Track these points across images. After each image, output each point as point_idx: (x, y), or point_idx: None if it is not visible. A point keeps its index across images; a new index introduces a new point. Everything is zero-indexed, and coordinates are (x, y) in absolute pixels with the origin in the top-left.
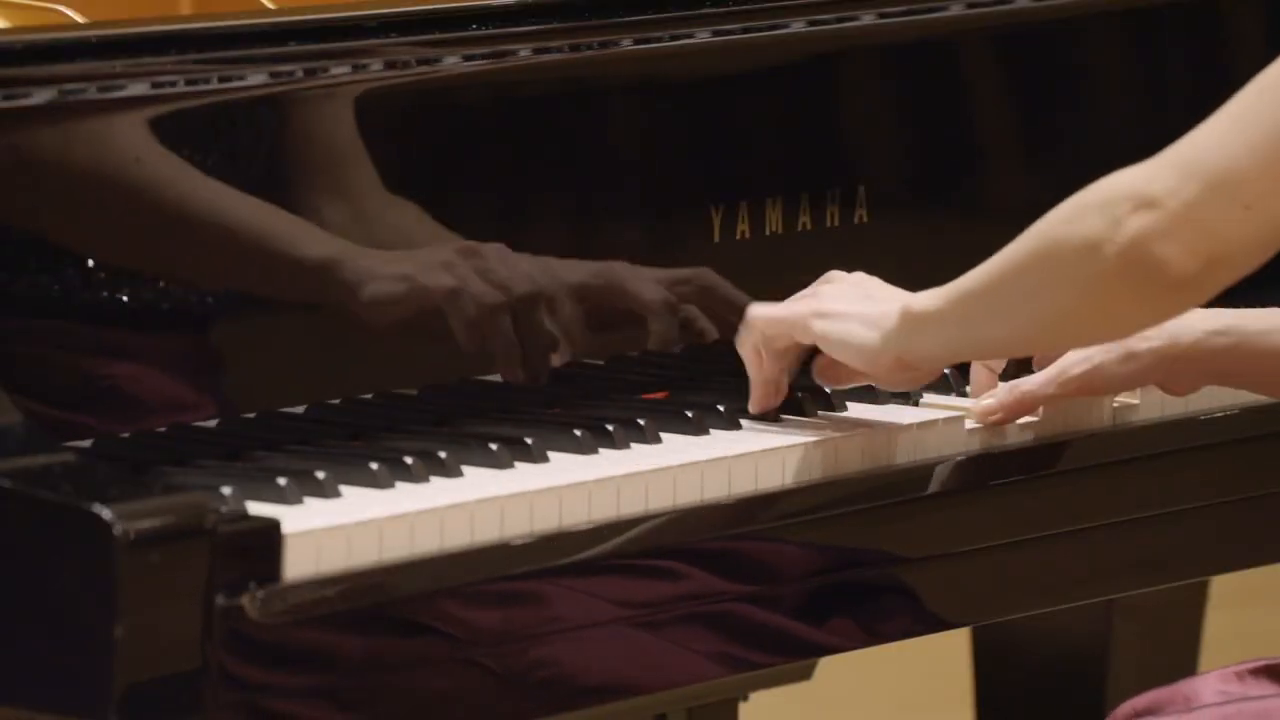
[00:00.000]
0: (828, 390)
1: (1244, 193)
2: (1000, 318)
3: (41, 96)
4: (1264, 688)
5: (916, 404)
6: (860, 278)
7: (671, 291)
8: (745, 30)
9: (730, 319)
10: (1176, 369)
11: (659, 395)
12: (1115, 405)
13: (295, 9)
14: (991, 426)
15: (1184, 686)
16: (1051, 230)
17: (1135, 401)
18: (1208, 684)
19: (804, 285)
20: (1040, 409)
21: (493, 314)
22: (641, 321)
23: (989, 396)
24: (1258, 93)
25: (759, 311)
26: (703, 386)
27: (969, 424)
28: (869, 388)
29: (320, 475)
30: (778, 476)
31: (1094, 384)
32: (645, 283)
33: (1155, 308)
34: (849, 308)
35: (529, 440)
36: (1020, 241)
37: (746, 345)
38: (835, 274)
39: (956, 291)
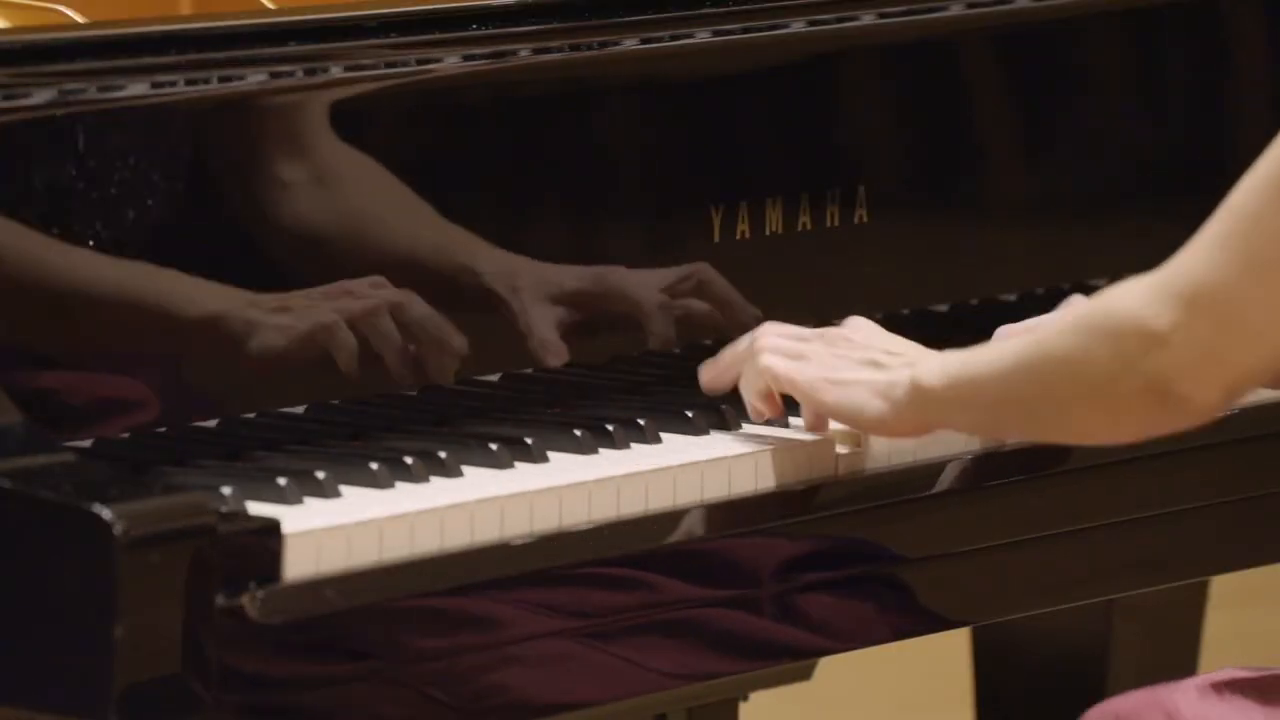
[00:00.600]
0: None
1: (1254, 320)
2: (1014, 416)
3: (41, 96)
4: (1244, 706)
5: None
6: (871, 333)
7: (671, 289)
8: (745, 30)
9: (729, 313)
10: None
11: None
12: None
13: (295, 9)
14: None
15: (1162, 694)
16: (1059, 351)
17: None
18: (1186, 695)
19: (804, 285)
20: None
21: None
22: (640, 323)
23: None
24: (1243, 212)
25: (770, 365)
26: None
27: None
28: None
29: (320, 475)
30: (778, 476)
31: None
32: (642, 286)
33: (1180, 427)
34: (858, 375)
35: (529, 440)
36: (1032, 349)
37: (751, 390)
38: (853, 322)
39: (966, 376)
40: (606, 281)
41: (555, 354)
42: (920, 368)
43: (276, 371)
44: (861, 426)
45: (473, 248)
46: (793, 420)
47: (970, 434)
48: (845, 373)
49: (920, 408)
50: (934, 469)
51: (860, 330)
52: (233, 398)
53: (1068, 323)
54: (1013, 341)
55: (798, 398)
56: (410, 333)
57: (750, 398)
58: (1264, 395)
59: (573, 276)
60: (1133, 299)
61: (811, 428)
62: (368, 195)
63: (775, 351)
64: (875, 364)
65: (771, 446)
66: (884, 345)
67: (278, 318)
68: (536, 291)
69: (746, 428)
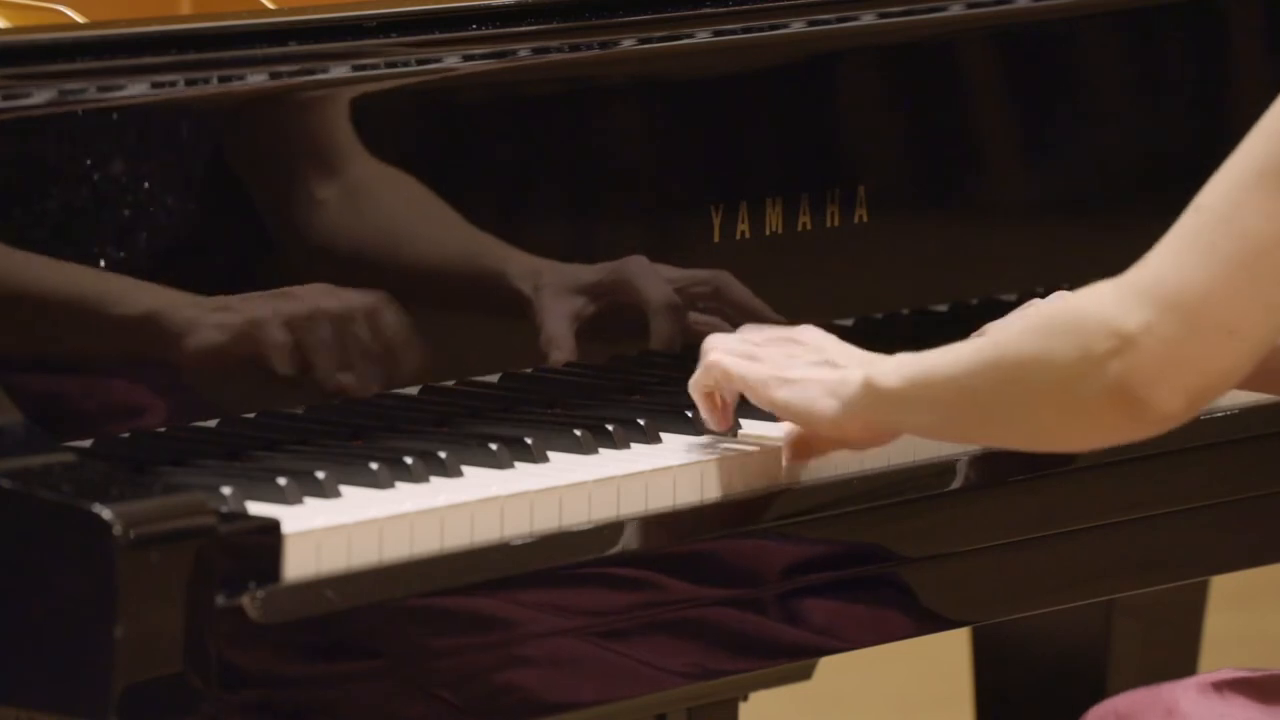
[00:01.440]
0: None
1: (1223, 322)
2: (971, 417)
3: (41, 96)
4: (1245, 705)
5: None
6: (823, 338)
7: (684, 292)
8: (745, 30)
9: (742, 323)
10: None
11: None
12: None
13: (295, 9)
14: None
15: (1163, 692)
16: (1023, 351)
17: None
18: (1187, 693)
19: (804, 285)
20: None
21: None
22: (645, 321)
23: None
24: (1212, 212)
25: (719, 361)
26: None
27: None
28: None
29: (320, 475)
30: (778, 476)
31: None
32: (655, 281)
33: (1142, 434)
34: (809, 374)
35: (529, 440)
36: (993, 348)
37: (697, 387)
38: (804, 329)
39: (922, 375)
40: (617, 278)
41: (563, 350)
42: (875, 367)
43: (275, 372)
44: (811, 425)
45: (472, 247)
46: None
47: (925, 436)
48: (796, 371)
49: (872, 407)
50: (936, 469)
51: (811, 335)
52: (233, 398)
53: (1031, 323)
54: (972, 343)
55: (748, 395)
56: (383, 337)
57: (697, 398)
58: (1264, 395)
59: (574, 275)
60: (1101, 299)
61: (791, 447)
62: (368, 195)
63: (726, 351)
64: (828, 363)
65: (772, 447)
66: (836, 349)
67: (281, 318)
68: (536, 290)
69: (747, 428)
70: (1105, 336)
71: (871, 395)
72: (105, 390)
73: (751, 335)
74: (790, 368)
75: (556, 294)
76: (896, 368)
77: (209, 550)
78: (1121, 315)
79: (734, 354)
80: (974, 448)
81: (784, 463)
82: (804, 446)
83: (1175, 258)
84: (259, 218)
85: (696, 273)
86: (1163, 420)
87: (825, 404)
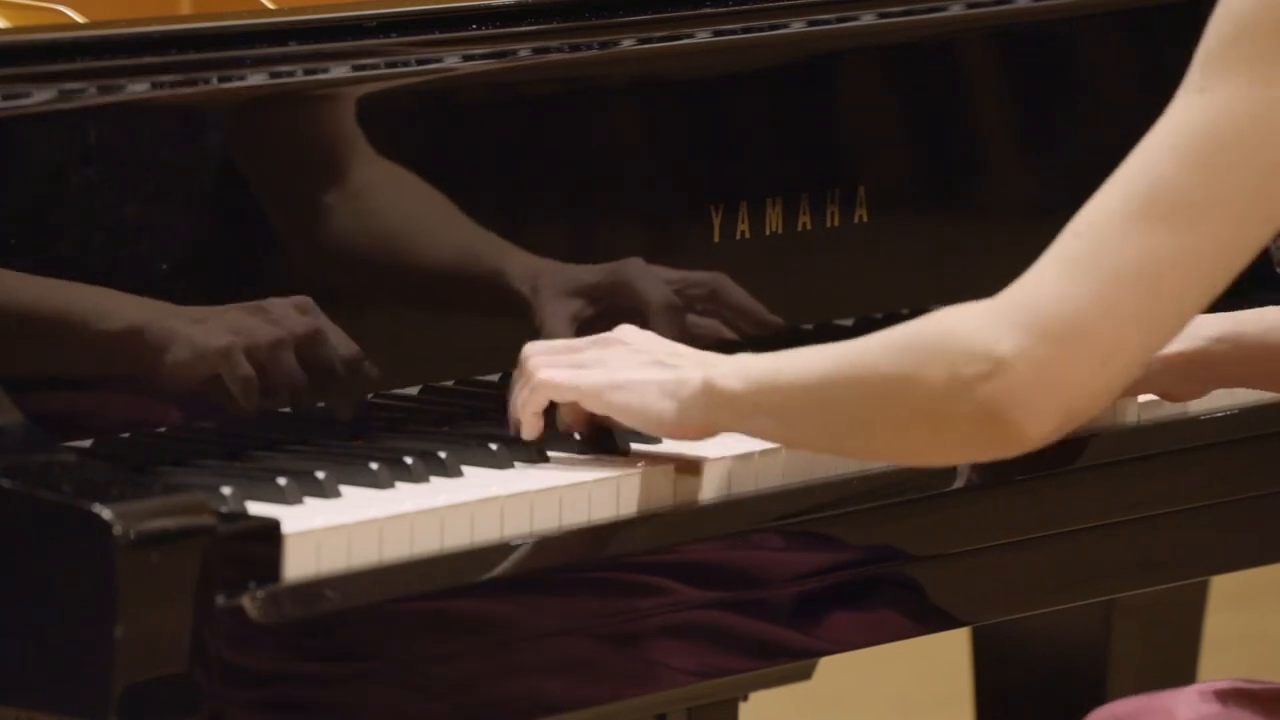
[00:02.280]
0: None
1: (1098, 346)
2: (824, 428)
3: (41, 96)
4: (1243, 717)
5: None
6: (647, 339)
7: (682, 294)
8: (745, 30)
9: (740, 324)
10: (1180, 378)
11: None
12: (1115, 405)
13: (295, 9)
14: None
15: (1165, 699)
16: (888, 367)
17: (1136, 401)
18: (1188, 700)
19: (804, 285)
20: None
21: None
22: (644, 323)
23: None
24: (1091, 237)
25: (549, 379)
26: None
27: None
28: None
29: (320, 475)
30: (778, 476)
31: None
32: (654, 283)
33: (1007, 454)
34: (643, 375)
35: (529, 440)
36: (846, 361)
37: (529, 408)
38: (624, 330)
39: (768, 380)
40: (610, 281)
41: None
42: (717, 369)
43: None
44: (648, 427)
45: (472, 247)
46: None
47: (768, 441)
48: (628, 373)
49: (710, 408)
50: (933, 469)
51: (632, 334)
52: (233, 398)
53: (898, 340)
54: (826, 352)
55: (582, 404)
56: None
57: (526, 417)
58: (1264, 395)
59: (574, 276)
60: (973, 321)
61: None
62: (368, 195)
63: (551, 365)
64: (660, 364)
65: (772, 447)
66: (665, 348)
67: (284, 318)
68: (535, 291)
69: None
70: (975, 359)
71: (713, 398)
72: (105, 390)
73: (570, 342)
74: (621, 370)
75: (556, 295)
76: (739, 370)
77: (209, 550)
78: (992, 339)
79: (558, 365)
80: None
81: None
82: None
83: (1053, 284)
84: (259, 218)
85: (694, 274)
86: (1031, 442)
87: (663, 406)
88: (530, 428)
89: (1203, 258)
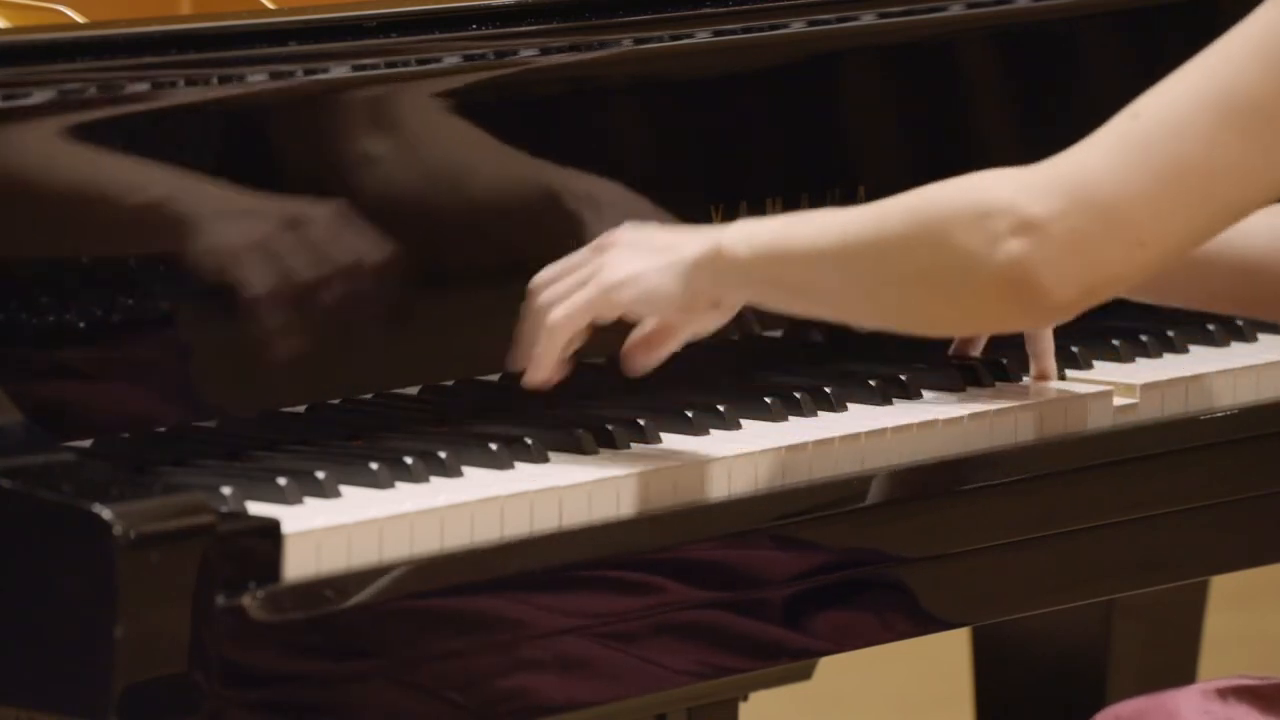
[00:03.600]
0: (828, 391)
1: (1138, 230)
2: (839, 293)
3: (41, 96)
4: (1247, 714)
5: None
6: (642, 233)
7: None
8: (745, 30)
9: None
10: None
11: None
12: (1115, 405)
13: (295, 9)
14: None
15: (1167, 699)
16: (913, 228)
17: (1135, 401)
18: (1190, 700)
19: None
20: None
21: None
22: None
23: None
24: (1155, 123)
25: (558, 317)
26: (702, 386)
27: (958, 413)
28: (867, 389)
29: (320, 475)
30: (778, 477)
31: None
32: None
33: (1024, 322)
34: (643, 264)
35: (529, 440)
36: (867, 225)
37: (548, 355)
38: (610, 236)
39: (780, 246)
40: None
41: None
42: (723, 235)
43: (278, 369)
44: (659, 310)
45: (472, 247)
46: (792, 420)
47: (775, 308)
48: (625, 269)
49: (717, 276)
50: (934, 469)
51: (628, 233)
52: (233, 398)
53: (917, 202)
54: (839, 216)
55: (598, 320)
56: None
57: (545, 365)
58: (1264, 395)
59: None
60: (1009, 185)
61: (632, 353)
62: (369, 194)
63: (553, 299)
64: (658, 250)
65: (771, 447)
66: (662, 236)
67: (278, 319)
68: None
69: (746, 427)
70: (1010, 220)
71: (717, 264)
72: (105, 390)
73: (567, 260)
74: (618, 269)
75: None
76: (747, 237)
77: (209, 550)
78: (1030, 202)
79: (564, 296)
80: (975, 448)
81: (635, 362)
82: (647, 343)
83: (1105, 158)
84: (259, 218)
85: None
86: (1051, 310)
87: (669, 285)
88: (547, 373)
89: (1267, 168)
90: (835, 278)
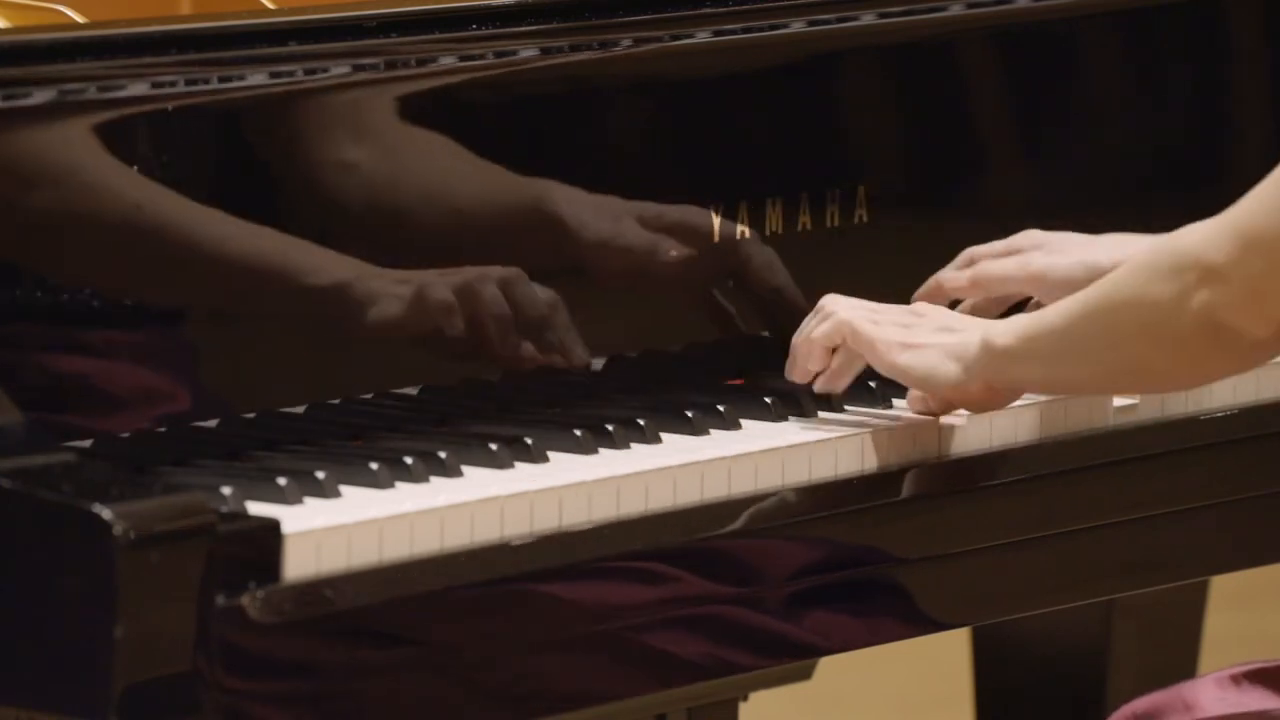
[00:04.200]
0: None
1: None
2: (1076, 365)
3: (41, 96)
4: (1263, 696)
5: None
6: (938, 310)
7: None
8: (745, 30)
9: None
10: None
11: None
12: (1116, 405)
13: (295, 9)
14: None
15: (1183, 690)
16: (1125, 289)
17: (1135, 401)
18: (1206, 689)
19: (804, 285)
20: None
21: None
22: (644, 322)
23: None
24: None
25: (850, 319)
26: (702, 386)
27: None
28: (868, 390)
29: (320, 475)
30: (778, 477)
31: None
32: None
33: (1238, 365)
34: (931, 339)
35: (529, 440)
36: (1096, 292)
37: (821, 341)
38: (920, 304)
39: (1035, 329)
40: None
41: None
42: (993, 327)
43: (278, 369)
44: (933, 388)
45: (472, 247)
46: (792, 420)
47: (1042, 391)
48: (918, 337)
49: (990, 366)
50: (934, 470)
51: (929, 308)
52: (233, 398)
53: (1134, 263)
54: (1088, 290)
55: (869, 355)
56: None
57: (814, 353)
58: (1264, 395)
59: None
60: (1196, 236)
61: (911, 405)
62: (368, 194)
63: (854, 309)
64: (947, 329)
65: (771, 448)
66: (955, 318)
67: (278, 319)
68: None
69: (747, 427)
70: (1197, 271)
71: (988, 354)
72: (105, 390)
73: (870, 305)
74: (913, 334)
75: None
76: (1010, 326)
77: (209, 550)
78: (1211, 250)
79: (860, 311)
80: (974, 448)
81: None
82: (924, 406)
83: (1268, 201)
84: (258, 218)
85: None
86: (1254, 349)
87: (948, 368)
88: (817, 359)
89: None
90: (1079, 346)
